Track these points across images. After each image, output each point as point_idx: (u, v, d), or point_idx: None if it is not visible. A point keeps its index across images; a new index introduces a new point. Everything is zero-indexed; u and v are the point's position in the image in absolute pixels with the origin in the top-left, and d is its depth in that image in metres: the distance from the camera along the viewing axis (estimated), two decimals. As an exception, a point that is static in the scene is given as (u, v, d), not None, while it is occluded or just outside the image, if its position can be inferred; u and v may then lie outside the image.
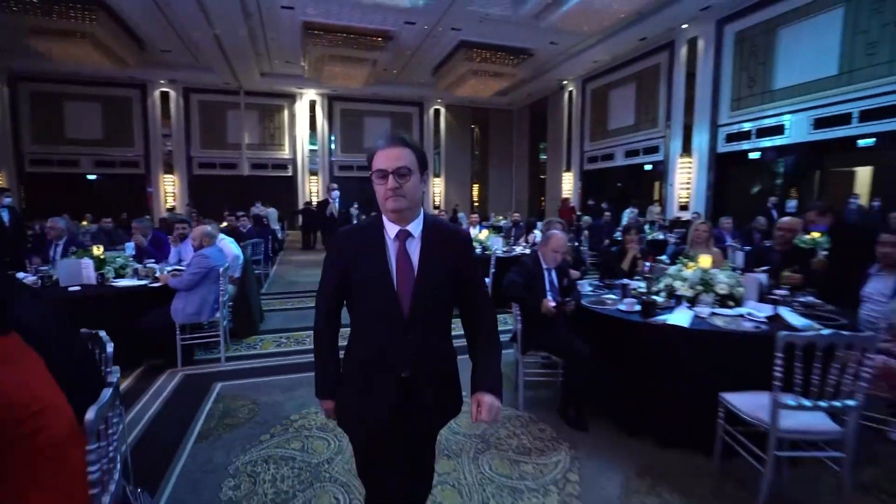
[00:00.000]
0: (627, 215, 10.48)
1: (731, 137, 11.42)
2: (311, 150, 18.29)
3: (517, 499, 2.09)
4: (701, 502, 2.07)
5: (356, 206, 11.55)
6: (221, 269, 3.78)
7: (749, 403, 2.05)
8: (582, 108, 16.50)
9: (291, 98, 17.97)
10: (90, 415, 1.13)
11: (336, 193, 5.25)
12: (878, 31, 8.56)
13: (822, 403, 1.85)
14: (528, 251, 6.02)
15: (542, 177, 19.59)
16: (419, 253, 1.35)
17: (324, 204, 5.01)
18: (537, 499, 2.08)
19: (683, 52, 12.16)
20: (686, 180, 12.23)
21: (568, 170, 17.20)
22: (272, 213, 11.61)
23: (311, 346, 1.53)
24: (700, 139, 11.93)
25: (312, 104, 18.06)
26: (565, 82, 16.73)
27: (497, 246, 5.96)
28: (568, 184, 17.14)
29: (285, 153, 18.40)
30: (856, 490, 2.05)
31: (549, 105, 18.35)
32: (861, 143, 9.14)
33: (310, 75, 15.54)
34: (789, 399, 1.87)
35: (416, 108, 19.44)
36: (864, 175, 10.08)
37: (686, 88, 12.12)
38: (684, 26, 11.80)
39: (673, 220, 10.68)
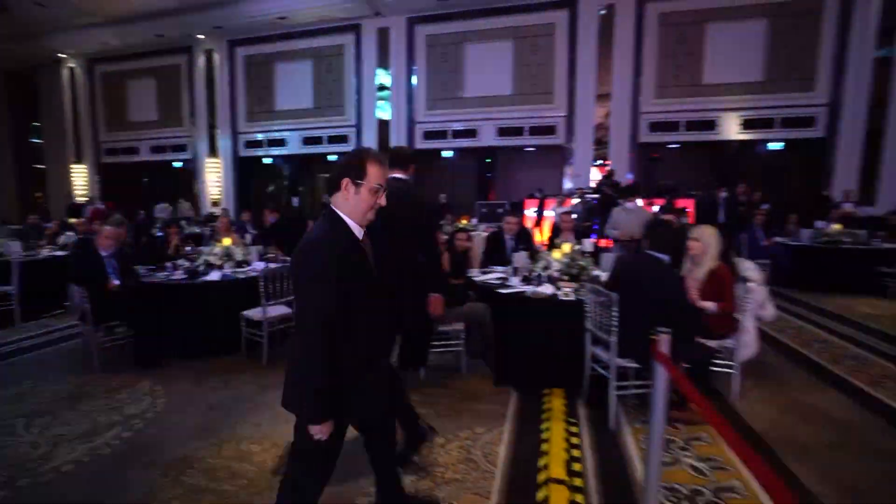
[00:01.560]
0: (158, 211, 10.97)
1: (249, 144, 13.79)
2: None
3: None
4: (240, 381, 3.66)
5: None
6: None
7: (256, 312, 3.82)
8: (92, 92, 14.78)
9: None
10: None
11: None
12: (331, 84, 12.90)
13: (282, 300, 3.86)
14: (59, 252, 5.89)
15: (39, 167, 16.03)
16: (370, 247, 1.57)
17: None
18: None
19: (202, 60, 13.42)
20: (216, 179, 13.78)
21: (79, 161, 15.03)
22: None
23: None
24: (224, 143, 13.71)
25: None
26: (64, 56, 14.38)
27: (16, 250, 5.46)
28: (81, 177, 15.01)
29: None
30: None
31: (42, 79, 15.17)
32: (330, 157, 13.49)
33: None
34: (270, 302, 3.75)
35: None
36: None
37: (208, 94, 13.51)
38: (200, 36, 13.03)
39: (206, 215, 11.99)
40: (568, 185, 11.73)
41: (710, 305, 2.77)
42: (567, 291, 3.08)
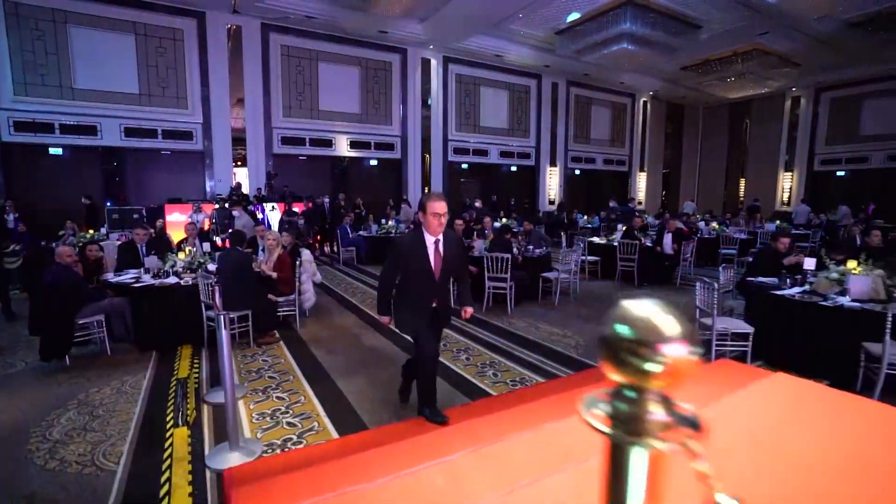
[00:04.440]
0: None
1: None
2: None
3: None
4: None
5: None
6: None
7: None
8: None
9: None
10: None
11: None
12: None
13: None
14: None
15: None
16: (444, 249, 2.95)
17: None
18: None
19: None
20: None
21: None
22: None
23: None
24: None
25: None
26: None
27: None
28: None
29: None
30: None
31: None
32: None
33: None
34: None
35: None
36: None
37: None
38: None
39: None
40: (209, 188, 12.60)
41: (273, 274, 4.91)
42: (187, 280, 4.61)
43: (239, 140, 13.56)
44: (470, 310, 3.19)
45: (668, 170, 24.14)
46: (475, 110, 17.45)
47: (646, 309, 0.43)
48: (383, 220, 10.58)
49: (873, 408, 1.83)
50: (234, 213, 7.18)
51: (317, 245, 10.96)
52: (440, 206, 2.87)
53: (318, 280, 5.67)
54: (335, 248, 10.24)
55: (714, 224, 10.62)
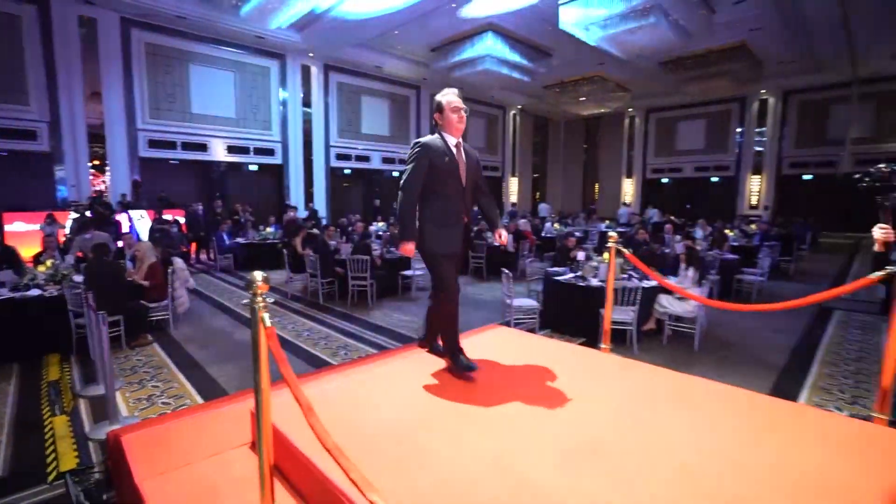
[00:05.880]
0: None
1: None
2: None
3: None
4: None
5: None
6: None
7: None
8: None
9: None
10: None
11: None
12: None
13: None
14: None
15: None
16: (465, 154, 2.56)
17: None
18: None
19: None
20: None
21: None
22: None
23: None
24: None
25: None
26: None
27: None
28: None
29: None
30: None
31: None
32: None
33: None
34: None
35: None
36: None
37: None
38: None
39: None
40: (65, 194, 11.63)
41: (146, 283, 5.29)
42: (52, 291, 4.82)
43: (98, 137, 12.62)
44: (504, 234, 2.72)
45: (538, 175, 27.15)
46: (357, 117, 18.14)
47: (258, 273, 1.43)
48: (261, 227, 10.88)
49: (546, 343, 3.12)
50: (87, 235, 6.95)
51: (192, 253, 10.85)
52: (458, 100, 2.53)
53: (191, 286, 6.07)
54: (212, 256, 10.30)
55: (556, 224, 12.73)
